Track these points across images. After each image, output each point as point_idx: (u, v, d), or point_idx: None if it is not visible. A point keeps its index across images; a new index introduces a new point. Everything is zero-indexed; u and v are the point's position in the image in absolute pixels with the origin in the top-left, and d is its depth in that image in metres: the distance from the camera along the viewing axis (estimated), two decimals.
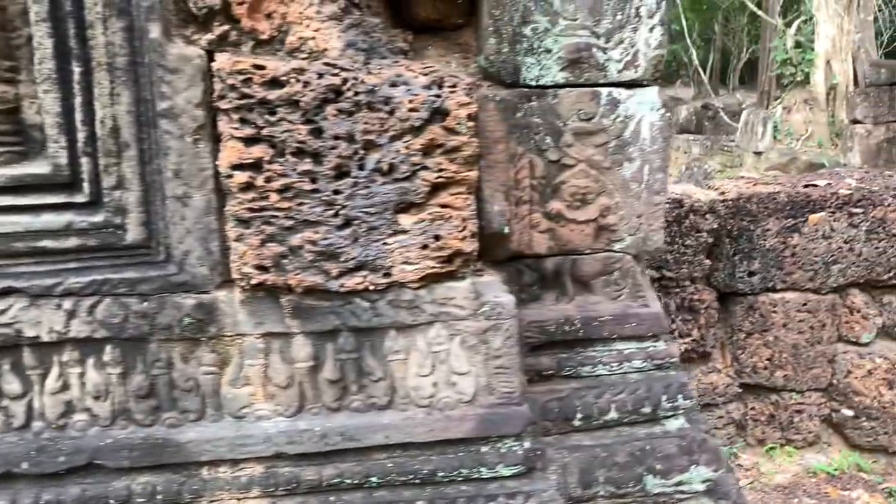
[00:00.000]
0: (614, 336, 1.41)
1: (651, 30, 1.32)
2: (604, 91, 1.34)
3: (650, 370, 1.43)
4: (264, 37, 1.16)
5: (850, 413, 2.64)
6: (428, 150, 1.13)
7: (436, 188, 1.14)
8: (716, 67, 29.92)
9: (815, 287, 2.61)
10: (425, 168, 1.12)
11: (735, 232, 2.61)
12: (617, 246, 1.42)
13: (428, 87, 1.13)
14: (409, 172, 1.13)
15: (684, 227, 2.59)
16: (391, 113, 1.12)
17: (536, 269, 1.41)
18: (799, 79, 12.09)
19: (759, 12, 13.83)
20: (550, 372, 1.41)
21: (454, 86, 1.14)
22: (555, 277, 1.42)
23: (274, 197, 1.10)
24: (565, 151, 1.35)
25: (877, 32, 11.87)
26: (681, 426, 1.42)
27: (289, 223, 1.11)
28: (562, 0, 1.29)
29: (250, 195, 1.10)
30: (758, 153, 12.44)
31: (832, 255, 2.59)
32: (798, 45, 12.29)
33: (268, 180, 1.10)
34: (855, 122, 8.74)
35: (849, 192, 2.60)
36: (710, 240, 2.62)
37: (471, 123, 1.14)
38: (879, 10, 11.93)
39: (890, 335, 2.69)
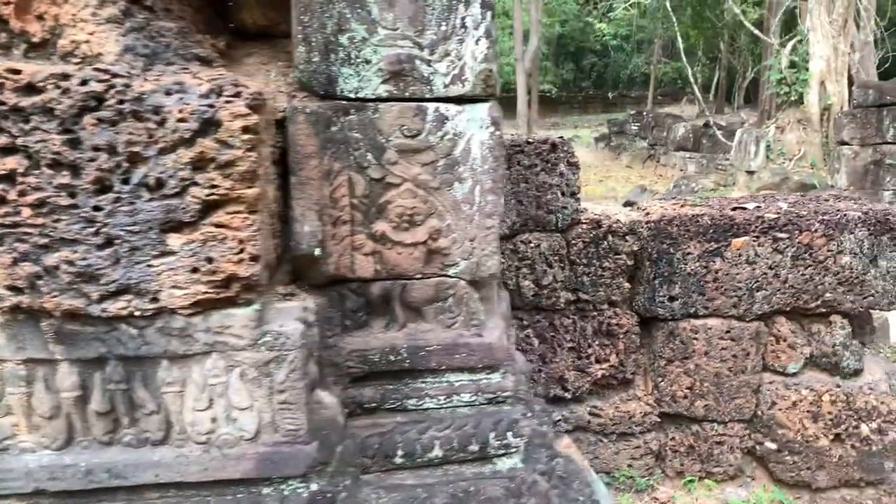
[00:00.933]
0: (443, 367, 1.31)
1: (477, 42, 1.24)
2: (430, 106, 1.26)
3: (482, 404, 1.33)
4: (36, 39, 1.08)
5: (773, 446, 2.52)
6: (199, 165, 1.04)
7: (209, 206, 1.05)
8: (721, 85, 29.85)
9: (739, 314, 2.51)
10: (196, 184, 1.04)
11: (655, 255, 2.51)
12: (451, 271, 1.32)
13: (205, 96, 1.04)
14: (179, 188, 1.04)
15: (602, 248, 2.50)
16: (161, 123, 1.03)
17: (362, 294, 1.32)
18: (793, 98, 11.97)
19: (756, 31, 13.74)
20: (374, 405, 1.31)
21: (235, 95, 1.05)
22: (383, 303, 1.33)
23: (27, 212, 1.02)
24: (389, 169, 1.26)
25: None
26: (513, 466, 1.32)
27: (44, 241, 1.02)
28: (380, 8, 1.20)
29: (2, 210, 1.01)
30: (750, 172, 12.33)
31: (756, 282, 2.48)
32: (793, 64, 12.18)
33: (21, 194, 1.01)
34: (842, 143, 8.63)
35: (775, 216, 2.49)
36: (631, 262, 2.53)
37: (246, 136, 1.05)
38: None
39: (818, 365, 2.57)
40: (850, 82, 11.60)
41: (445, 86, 1.23)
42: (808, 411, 2.50)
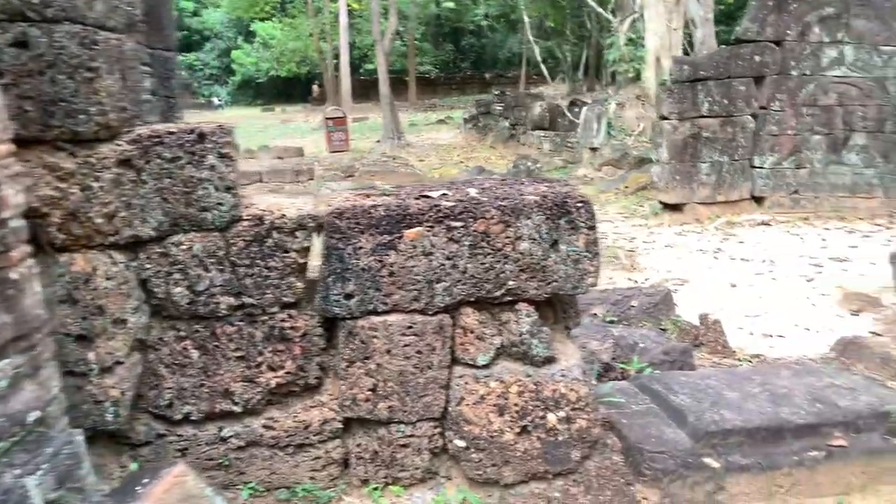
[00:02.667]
0: None
1: None
2: None
3: None
4: None
5: (462, 444, 2.43)
6: None
7: None
8: (591, 64, 30.63)
9: (422, 308, 2.38)
10: None
11: (326, 251, 2.34)
12: None
13: None
14: None
15: (268, 246, 2.31)
16: None
17: None
18: (631, 76, 12.33)
19: (600, 10, 14.05)
20: None
21: None
22: None
23: None
24: None
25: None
26: None
27: None
28: None
29: None
30: (594, 149, 12.61)
31: (435, 273, 2.36)
32: (631, 41, 12.53)
33: None
34: (663, 118, 8.87)
35: (451, 204, 2.38)
36: (303, 260, 2.35)
37: None
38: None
39: (510, 355, 2.49)
40: None
41: None
42: (494, 405, 2.41)
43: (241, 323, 2.31)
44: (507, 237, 2.38)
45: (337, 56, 32.60)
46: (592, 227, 2.48)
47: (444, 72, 45.31)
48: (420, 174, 13.31)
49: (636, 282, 6.52)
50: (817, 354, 4.30)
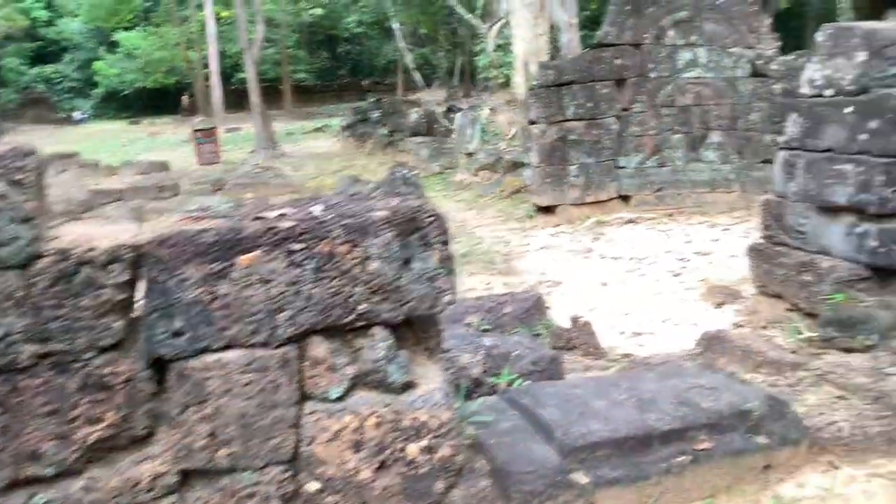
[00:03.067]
0: None
1: None
2: None
3: None
4: None
5: (316, 486, 2.23)
6: None
7: None
8: (466, 70, 30.90)
9: (263, 341, 2.16)
10: None
11: (149, 285, 2.07)
12: None
13: None
14: None
15: (76, 284, 2.01)
16: None
17: None
18: (501, 81, 12.47)
19: (468, 16, 14.15)
20: None
21: None
22: None
23: None
24: None
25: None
26: None
27: None
28: None
29: None
30: (469, 154, 12.66)
31: (276, 302, 2.15)
32: (500, 47, 12.68)
33: None
34: (531, 122, 8.97)
35: (291, 225, 2.17)
36: (122, 296, 2.07)
37: None
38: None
39: (367, 384, 2.31)
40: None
41: None
42: (350, 440, 2.22)
43: (49, 373, 2.01)
44: (355, 258, 2.20)
45: (207, 65, 31.39)
46: (446, 243, 2.34)
47: (321, 79, 44.65)
48: (295, 185, 12.92)
49: (513, 286, 6.50)
50: (684, 351, 4.38)
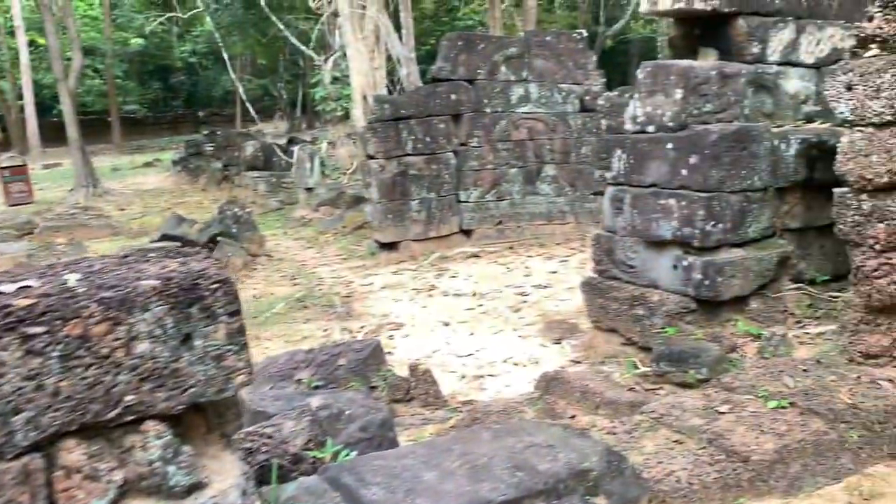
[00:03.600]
0: None
1: None
2: None
3: None
4: None
5: None
6: None
7: None
8: (308, 102, 30.31)
9: None
10: None
11: None
12: None
13: None
14: None
15: None
16: None
17: None
18: (340, 114, 12.19)
19: (303, 47, 13.76)
20: None
21: None
22: None
23: None
24: None
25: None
26: None
27: None
28: None
29: None
30: (309, 189, 12.23)
31: (10, 402, 1.69)
32: (336, 80, 12.40)
33: None
34: (370, 157, 8.72)
35: (30, 303, 1.72)
36: None
37: None
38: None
39: (141, 490, 1.88)
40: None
41: None
42: None
43: None
44: (118, 339, 1.78)
45: (21, 96, 28.78)
46: (236, 313, 1.97)
47: (154, 111, 42.33)
48: (117, 225, 11.87)
49: (353, 331, 6.17)
50: (523, 395, 4.22)
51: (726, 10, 4.67)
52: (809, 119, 5.12)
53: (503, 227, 9.43)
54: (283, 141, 18.49)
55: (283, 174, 14.60)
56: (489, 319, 6.34)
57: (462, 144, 9.15)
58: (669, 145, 4.64)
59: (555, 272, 7.96)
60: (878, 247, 3.59)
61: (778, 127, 4.87)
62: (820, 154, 4.72)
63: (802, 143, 4.64)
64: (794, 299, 4.82)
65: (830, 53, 5.12)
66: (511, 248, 9.24)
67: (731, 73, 4.69)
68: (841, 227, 3.76)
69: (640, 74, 4.86)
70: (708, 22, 4.89)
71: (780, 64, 4.95)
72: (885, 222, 3.54)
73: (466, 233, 9.33)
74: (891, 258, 3.55)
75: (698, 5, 4.61)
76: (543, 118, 9.53)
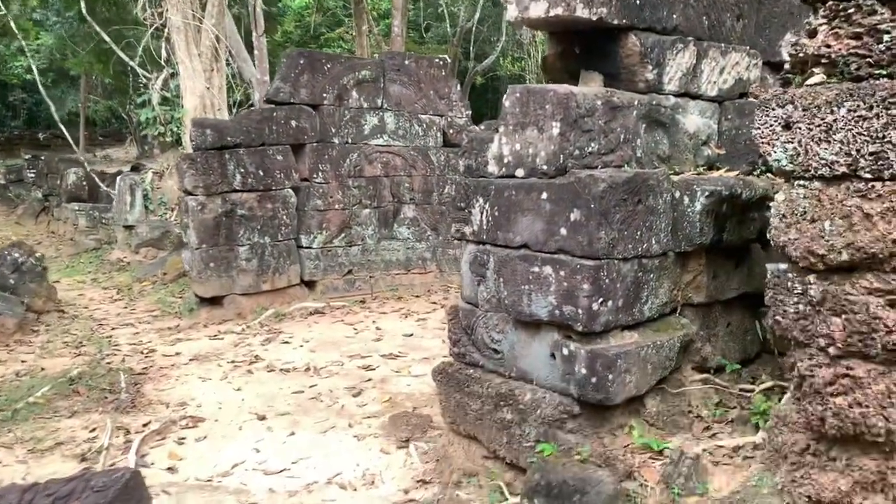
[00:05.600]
0: None
1: None
2: None
3: None
4: None
5: None
6: None
7: None
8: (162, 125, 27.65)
9: None
10: None
11: None
12: None
13: None
14: None
15: None
16: None
17: None
18: (169, 139, 10.48)
19: (132, 63, 11.91)
20: None
21: None
22: None
23: None
24: None
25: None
26: None
27: None
28: None
29: None
30: (129, 227, 10.35)
31: None
32: (167, 100, 10.69)
33: None
34: (187, 192, 7.13)
35: None
36: None
37: None
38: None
39: None
40: None
41: None
42: None
43: None
44: None
45: None
46: None
47: None
48: None
49: (131, 429, 4.57)
50: None
51: (615, 22, 3.60)
52: (712, 165, 4.14)
53: (353, 278, 8.07)
54: (128, 168, 16.32)
55: (105, 207, 12.57)
56: (320, 409, 4.93)
57: (304, 180, 7.76)
58: (544, 195, 3.48)
59: (410, 335, 6.68)
60: (832, 350, 2.53)
61: (677, 174, 3.83)
62: (731, 210, 3.71)
63: (710, 197, 3.61)
64: (701, 395, 3.76)
65: (734, 85, 4.18)
66: (363, 301, 7.89)
67: (621, 105, 3.62)
68: (778, 319, 2.68)
69: (506, 102, 3.69)
70: (592, 38, 3.81)
71: (678, 95, 3.95)
72: (844, 316, 2.48)
73: (309, 284, 7.89)
74: (852, 368, 2.49)
75: (581, 13, 3.51)
76: (401, 152, 8.31)
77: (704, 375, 3.84)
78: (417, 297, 8.14)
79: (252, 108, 8.27)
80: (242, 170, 7.26)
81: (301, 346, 6.42)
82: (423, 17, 24.36)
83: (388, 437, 4.41)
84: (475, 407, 3.78)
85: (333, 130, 7.84)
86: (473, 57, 22.77)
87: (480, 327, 3.87)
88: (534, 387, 3.62)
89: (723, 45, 4.06)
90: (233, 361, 5.98)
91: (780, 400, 3.54)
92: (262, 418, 4.75)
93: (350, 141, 7.96)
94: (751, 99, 4.13)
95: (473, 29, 21.68)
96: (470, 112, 8.77)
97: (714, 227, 3.69)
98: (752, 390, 3.79)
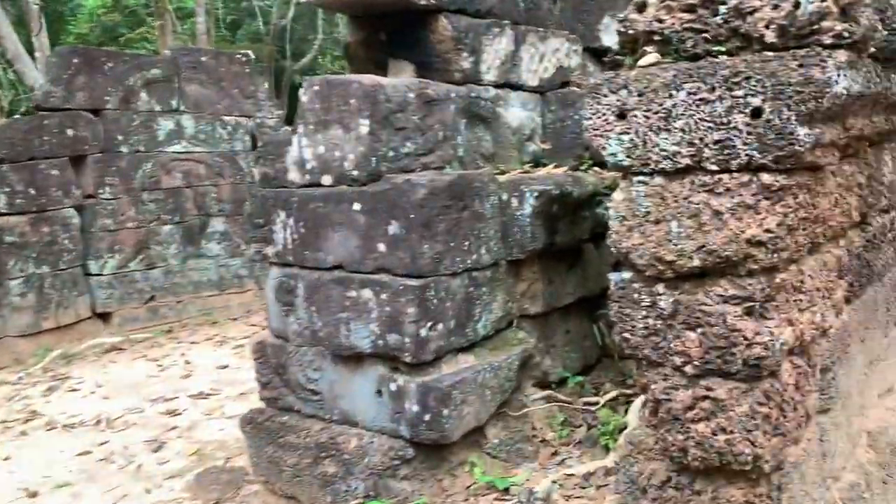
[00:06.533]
0: None
1: None
2: None
3: None
4: None
5: None
6: None
7: None
8: None
9: None
10: None
11: None
12: None
13: None
14: None
15: None
16: None
17: None
18: None
19: None
20: None
21: None
22: None
23: None
24: None
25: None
26: None
27: None
28: None
29: None
30: None
31: None
32: None
33: None
34: None
35: None
36: None
37: None
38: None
39: None
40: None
41: None
42: None
43: None
44: None
45: None
46: None
47: None
48: None
49: None
50: None
51: (422, 2, 3.14)
52: (538, 161, 3.81)
53: (157, 305, 7.11)
54: None
55: None
56: (111, 473, 4.09)
57: (89, 196, 6.70)
58: (357, 206, 2.96)
59: (225, 367, 5.91)
60: (689, 369, 2.20)
61: (503, 174, 3.45)
62: (562, 210, 3.39)
63: (540, 198, 3.26)
64: (545, 416, 3.41)
65: (555, 73, 3.88)
66: (170, 331, 6.97)
67: (438, 98, 3.17)
68: (626, 336, 2.32)
69: (303, 97, 3.12)
70: (399, 22, 3.33)
71: (497, 86, 3.57)
72: (700, 330, 2.17)
73: (103, 317, 6.84)
74: (712, 388, 2.18)
75: None
76: (205, 159, 7.46)
77: (547, 392, 3.51)
78: (234, 319, 7.34)
79: (16, 117, 7.08)
80: (8, 189, 6.11)
81: (92, 392, 5.46)
82: (231, 15, 23.01)
83: (193, 500, 3.69)
84: (292, 461, 3.18)
85: (121, 138, 6.84)
86: (291, 56, 21.81)
87: (294, 365, 3.28)
88: (360, 431, 3.09)
89: (541, 29, 3.73)
90: (3, 422, 4.93)
91: (626, 412, 3.27)
92: (34, 495, 3.85)
93: (142, 149, 6.99)
94: (573, 88, 3.84)
95: (289, 26, 20.73)
96: (284, 112, 8.09)
97: (546, 230, 3.35)
98: (597, 403, 3.50)
